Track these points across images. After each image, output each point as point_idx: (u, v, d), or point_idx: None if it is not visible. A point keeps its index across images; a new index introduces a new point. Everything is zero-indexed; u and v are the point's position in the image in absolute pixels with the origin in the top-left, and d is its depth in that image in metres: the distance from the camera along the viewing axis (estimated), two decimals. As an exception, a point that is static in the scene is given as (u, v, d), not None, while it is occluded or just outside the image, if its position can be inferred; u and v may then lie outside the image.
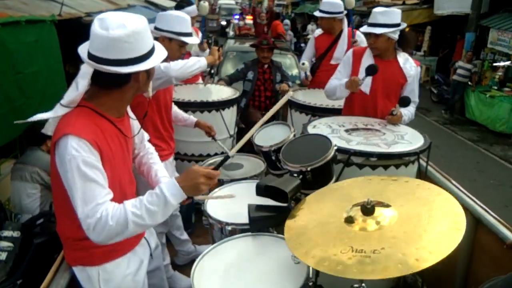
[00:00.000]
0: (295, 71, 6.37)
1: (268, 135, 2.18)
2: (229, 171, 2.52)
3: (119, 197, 1.54)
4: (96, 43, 1.42)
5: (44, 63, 4.00)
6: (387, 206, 1.37)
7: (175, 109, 2.82)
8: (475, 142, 9.01)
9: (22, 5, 4.42)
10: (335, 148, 1.91)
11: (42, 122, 3.82)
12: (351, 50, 2.93)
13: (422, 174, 2.49)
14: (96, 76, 1.47)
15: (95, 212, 1.39)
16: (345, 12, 3.90)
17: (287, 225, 1.49)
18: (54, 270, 1.83)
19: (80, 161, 1.40)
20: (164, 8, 9.86)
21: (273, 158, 2.08)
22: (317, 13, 3.91)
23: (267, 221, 1.69)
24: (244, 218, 1.75)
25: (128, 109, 1.77)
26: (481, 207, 2.31)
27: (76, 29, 5.46)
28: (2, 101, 3.33)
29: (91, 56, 1.44)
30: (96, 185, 1.42)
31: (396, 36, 2.66)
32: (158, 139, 2.46)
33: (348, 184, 1.64)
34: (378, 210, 1.34)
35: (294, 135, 2.13)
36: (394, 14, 2.64)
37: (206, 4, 4.48)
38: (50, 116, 1.54)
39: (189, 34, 2.55)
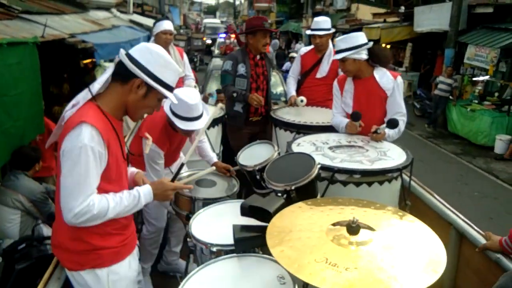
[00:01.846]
0: (279, 89, 6.42)
1: (252, 154, 2.19)
2: (200, 187, 2.49)
3: (119, 190, 1.76)
4: (135, 47, 1.72)
5: (27, 85, 3.97)
6: (372, 229, 1.38)
7: (206, 145, 2.95)
8: (458, 155, 9.16)
9: (4, 27, 4.41)
10: (319, 166, 1.93)
11: (29, 145, 3.80)
12: (336, 80, 3.13)
13: (406, 190, 2.52)
14: (115, 70, 1.70)
15: (85, 200, 1.58)
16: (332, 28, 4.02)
17: (272, 222, 1.50)
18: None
19: (90, 149, 1.56)
20: (148, 28, 9.93)
21: (258, 177, 2.08)
22: (318, 32, 3.88)
23: (252, 242, 1.68)
24: (229, 239, 1.73)
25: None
26: (465, 221, 2.33)
27: (60, 50, 5.47)
28: None
29: (126, 53, 1.71)
30: (95, 176, 1.61)
31: (361, 56, 2.80)
32: None
33: (341, 201, 1.65)
34: (362, 232, 1.35)
35: (278, 154, 2.14)
36: (354, 38, 2.81)
37: (192, 85, 4.17)
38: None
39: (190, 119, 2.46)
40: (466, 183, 7.51)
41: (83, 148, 1.54)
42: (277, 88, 6.47)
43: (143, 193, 1.79)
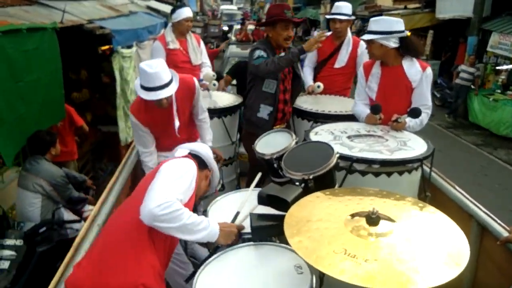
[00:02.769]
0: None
1: (270, 142, 2.17)
2: None
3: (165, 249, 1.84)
4: (196, 146, 2.09)
5: (44, 70, 4.00)
6: (391, 221, 1.35)
7: (205, 126, 3.06)
8: (479, 146, 8.95)
9: (23, 13, 4.44)
10: (337, 155, 1.89)
11: (45, 130, 3.86)
12: (362, 66, 3.05)
13: (426, 181, 2.46)
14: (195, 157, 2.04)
15: (171, 197, 1.63)
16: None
17: (290, 212, 1.48)
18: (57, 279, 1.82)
19: (193, 175, 1.85)
20: (165, 14, 9.90)
21: (275, 166, 2.06)
22: (339, 16, 3.79)
23: (269, 230, 1.67)
24: (247, 227, 1.73)
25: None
26: (486, 214, 2.28)
27: (78, 36, 5.50)
28: (6, 109, 3.32)
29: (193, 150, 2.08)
30: (185, 191, 1.76)
31: (390, 43, 2.69)
32: None
33: (360, 191, 1.62)
34: (381, 223, 1.32)
35: (296, 143, 2.11)
36: (388, 22, 2.70)
37: (210, 73, 3.90)
38: None
39: (153, 89, 2.52)
40: (487, 174, 7.35)
41: (190, 170, 1.82)
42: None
43: (212, 226, 1.73)
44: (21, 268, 3.15)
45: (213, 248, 1.83)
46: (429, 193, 2.45)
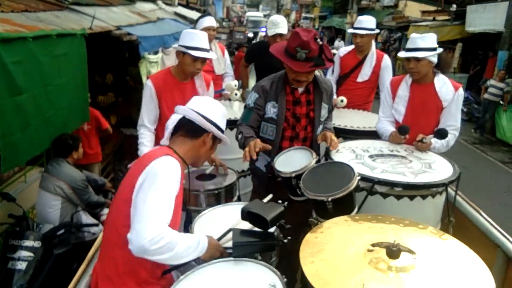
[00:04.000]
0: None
1: (289, 160, 2.13)
2: (202, 181, 2.46)
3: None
4: (194, 102, 1.88)
5: (72, 75, 4.09)
6: (412, 253, 1.29)
7: None
8: (506, 163, 8.66)
9: (54, 18, 4.55)
10: (358, 178, 1.84)
11: (70, 133, 3.94)
12: (389, 82, 3.01)
13: (450, 205, 2.38)
14: (179, 126, 1.81)
15: (162, 226, 1.53)
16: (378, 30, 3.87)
17: (306, 239, 1.44)
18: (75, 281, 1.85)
19: (177, 180, 1.64)
20: (192, 20, 10.04)
21: (294, 184, 2.02)
22: (359, 31, 3.74)
23: (251, 247, 1.61)
24: (230, 242, 1.66)
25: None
26: (513, 244, 2.17)
27: (105, 42, 5.61)
28: (33, 113, 3.41)
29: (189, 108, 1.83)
30: (170, 206, 1.60)
31: (435, 60, 2.69)
32: None
33: (381, 218, 1.56)
34: (402, 255, 1.26)
35: (317, 162, 2.07)
36: (432, 38, 2.69)
37: (232, 83, 3.91)
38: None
39: (200, 49, 2.71)
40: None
41: (166, 177, 1.59)
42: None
43: (202, 241, 1.66)
44: (38, 269, 3.20)
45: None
46: (453, 219, 2.36)
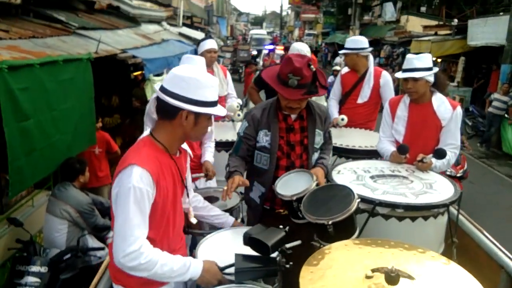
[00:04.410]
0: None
1: (290, 183, 2.15)
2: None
3: (164, 227, 1.76)
4: (166, 77, 1.70)
5: (77, 99, 4.16)
6: (411, 278, 1.30)
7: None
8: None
9: (61, 43, 4.66)
10: (358, 200, 1.85)
11: (75, 157, 3.99)
12: (387, 102, 3.07)
13: (453, 225, 2.37)
14: (158, 107, 1.72)
15: (135, 242, 1.56)
16: (370, 49, 3.91)
17: (306, 265, 1.44)
18: None
19: (138, 190, 1.57)
20: (195, 40, 10.20)
21: (295, 207, 2.04)
22: (341, 51, 3.95)
23: (253, 273, 1.62)
24: (233, 268, 1.67)
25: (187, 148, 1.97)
26: (517, 265, 2.16)
27: (111, 64, 5.72)
28: (39, 137, 3.46)
29: (161, 86, 1.70)
30: (143, 218, 1.60)
31: (432, 79, 2.74)
32: None
33: (380, 242, 1.57)
34: (401, 281, 1.27)
35: (317, 184, 2.09)
36: (428, 58, 2.75)
37: (234, 104, 3.86)
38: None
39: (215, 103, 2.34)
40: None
41: (132, 189, 1.56)
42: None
43: (194, 266, 1.68)
44: (45, 295, 3.22)
45: None
46: (456, 239, 2.35)
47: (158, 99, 1.70)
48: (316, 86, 2.15)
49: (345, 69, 4.09)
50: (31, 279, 3.30)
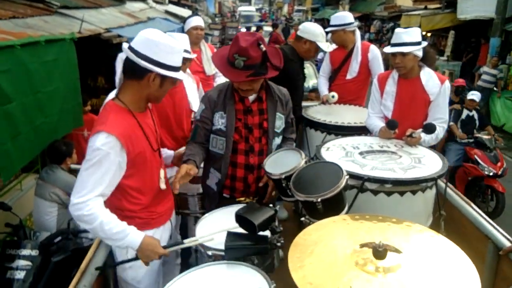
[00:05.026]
0: (312, 82, 6.24)
1: (279, 161, 2.13)
2: (195, 184, 2.43)
3: (150, 178, 1.93)
4: (137, 38, 1.76)
5: (62, 81, 4.06)
6: (399, 252, 1.31)
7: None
8: (502, 150, 8.67)
9: (43, 23, 4.52)
10: (347, 177, 1.85)
11: (62, 139, 3.93)
12: (376, 78, 3.03)
13: (441, 199, 2.39)
14: (125, 67, 1.79)
15: (84, 196, 1.70)
16: (356, 23, 3.86)
17: (294, 242, 1.45)
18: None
19: (104, 154, 1.70)
20: (183, 18, 9.98)
21: (284, 185, 2.03)
22: (328, 29, 3.83)
23: (243, 251, 1.63)
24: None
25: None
26: (503, 235, 2.19)
27: (95, 44, 5.59)
28: (23, 121, 3.39)
29: (130, 47, 1.76)
30: (101, 177, 1.71)
31: (420, 53, 2.72)
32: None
33: (368, 217, 1.57)
34: (389, 255, 1.28)
35: (306, 162, 2.08)
36: (416, 33, 2.71)
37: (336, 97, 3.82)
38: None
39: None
40: (510, 181, 7.10)
41: (96, 151, 1.70)
42: (309, 81, 6.30)
43: (133, 236, 1.78)
44: (37, 278, 3.21)
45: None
46: (444, 212, 2.38)
47: (126, 59, 1.76)
48: (267, 67, 2.02)
49: (333, 46, 4.03)
50: (22, 263, 3.29)
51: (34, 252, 3.32)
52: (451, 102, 6.27)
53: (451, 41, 13.98)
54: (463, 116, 6.06)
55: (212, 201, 2.30)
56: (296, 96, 3.18)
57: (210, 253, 1.76)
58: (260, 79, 2.09)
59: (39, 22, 4.50)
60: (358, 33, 3.86)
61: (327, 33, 3.88)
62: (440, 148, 5.82)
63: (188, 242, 1.84)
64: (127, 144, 1.77)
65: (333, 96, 3.72)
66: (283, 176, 2.01)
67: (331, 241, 1.42)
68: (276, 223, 1.67)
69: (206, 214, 2.02)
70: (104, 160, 1.70)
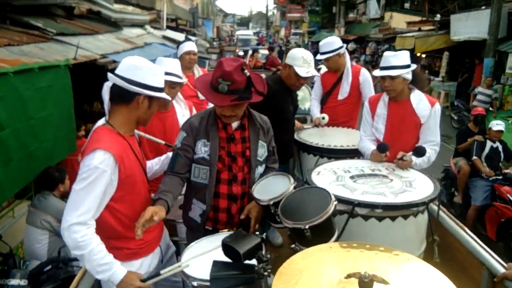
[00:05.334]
0: (307, 105, 6.26)
1: (267, 187, 2.11)
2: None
3: (137, 203, 1.92)
4: (121, 66, 1.86)
5: (56, 107, 4.07)
6: (386, 283, 1.27)
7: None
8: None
9: (38, 51, 4.57)
10: (335, 203, 1.82)
11: (55, 166, 3.91)
12: (367, 100, 3.05)
13: (434, 223, 2.36)
14: (112, 93, 1.86)
15: (82, 216, 1.71)
16: (344, 45, 3.87)
17: (279, 272, 1.40)
18: None
19: (100, 172, 1.73)
20: (179, 43, 10.12)
21: (273, 212, 2.00)
22: (320, 56, 3.80)
23: (229, 281, 1.56)
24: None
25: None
26: (498, 262, 2.14)
27: (92, 70, 5.63)
28: (16, 147, 3.38)
29: (115, 74, 1.85)
30: (96, 200, 1.73)
31: (410, 76, 2.72)
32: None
33: (356, 246, 1.53)
34: (375, 287, 1.24)
35: (295, 187, 2.06)
36: (405, 56, 2.72)
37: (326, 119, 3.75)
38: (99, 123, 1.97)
39: (170, 74, 2.68)
40: (509, 200, 7.05)
41: (93, 169, 1.72)
42: (305, 103, 6.33)
43: (117, 271, 1.79)
44: (26, 309, 3.14)
45: None
46: (437, 237, 2.34)
47: (113, 86, 1.84)
48: (251, 92, 1.98)
49: (324, 69, 4.06)
50: (10, 293, 3.21)
51: (23, 282, 3.25)
52: (468, 133, 5.86)
53: (446, 62, 14.15)
54: (487, 148, 5.41)
55: (196, 234, 2.15)
56: (286, 129, 3.14)
57: (195, 283, 1.71)
58: (243, 104, 2.05)
59: (34, 49, 4.55)
60: (347, 54, 3.89)
61: (319, 60, 3.88)
62: (463, 184, 5.42)
63: (165, 273, 1.80)
64: (121, 164, 1.80)
65: (323, 118, 3.71)
66: (271, 202, 1.98)
67: (317, 270, 1.38)
68: (263, 251, 1.63)
69: (192, 243, 1.97)
70: (102, 178, 1.73)
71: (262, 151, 2.22)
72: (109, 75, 1.85)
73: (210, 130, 2.11)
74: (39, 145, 3.75)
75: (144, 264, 2.03)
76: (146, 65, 1.86)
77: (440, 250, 2.32)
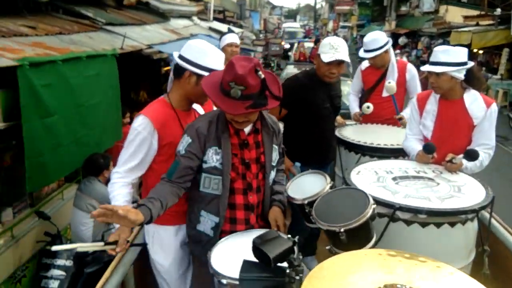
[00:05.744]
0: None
1: (302, 185, 2.03)
2: None
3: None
4: (184, 45, 2.08)
5: (104, 95, 4.20)
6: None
7: None
8: None
9: (87, 40, 4.72)
10: (374, 206, 1.71)
11: (101, 152, 4.03)
12: (415, 97, 2.85)
13: (485, 232, 2.18)
14: (173, 69, 2.10)
15: (118, 168, 2.03)
16: (389, 39, 3.65)
17: (309, 276, 1.32)
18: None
19: (137, 133, 1.97)
20: (221, 34, 10.15)
21: (307, 211, 1.93)
22: (365, 54, 3.59)
23: (258, 283, 1.49)
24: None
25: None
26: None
27: (139, 60, 5.76)
28: (64, 133, 3.51)
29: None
30: (133, 155, 1.99)
31: (460, 75, 2.47)
32: None
33: (394, 254, 1.43)
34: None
35: (331, 187, 1.96)
36: (458, 52, 2.47)
37: (393, 84, 3.49)
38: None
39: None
40: None
41: (132, 130, 1.99)
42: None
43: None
44: (70, 288, 3.27)
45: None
46: (487, 247, 2.15)
47: (175, 64, 2.06)
48: (266, 97, 1.75)
49: (365, 64, 3.85)
50: (56, 272, 3.37)
51: (69, 262, 3.40)
52: None
53: (505, 58, 13.25)
54: None
55: (206, 248, 1.88)
56: (323, 127, 3.00)
57: (224, 281, 1.67)
58: (254, 111, 1.79)
59: (83, 38, 4.70)
60: (391, 49, 3.68)
61: (362, 58, 3.69)
62: None
63: (87, 246, 2.07)
64: (160, 129, 1.98)
65: (368, 107, 3.49)
66: (305, 202, 1.90)
67: (348, 279, 1.30)
68: (295, 255, 1.55)
69: (222, 239, 1.91)
70: (137, 138, 1.96)
71: (275, 155, 2.06)
72: (174, 52, 2.10)
73: (221, 136, 1.90)
74: (87, 132, 3.88)
75: (179, 235, 2.19)
76: (199, 46, 2.03)
77: (491, 261, 2.14)
